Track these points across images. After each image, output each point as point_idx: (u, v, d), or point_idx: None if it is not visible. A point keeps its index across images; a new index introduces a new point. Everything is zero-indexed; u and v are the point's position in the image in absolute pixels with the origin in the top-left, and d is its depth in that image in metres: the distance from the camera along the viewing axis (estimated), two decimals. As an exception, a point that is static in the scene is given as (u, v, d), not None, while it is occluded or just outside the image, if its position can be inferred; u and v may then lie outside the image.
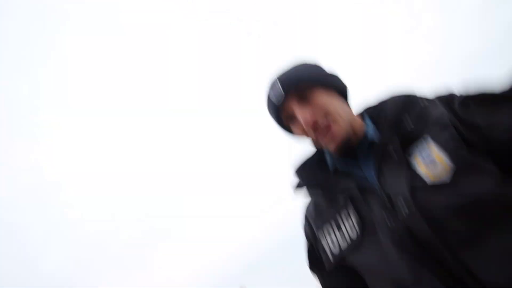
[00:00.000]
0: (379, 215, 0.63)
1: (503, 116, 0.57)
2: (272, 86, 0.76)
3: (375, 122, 0.77)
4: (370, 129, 0.76)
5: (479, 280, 0.52)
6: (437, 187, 0.58)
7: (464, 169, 0.57)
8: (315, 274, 0.83)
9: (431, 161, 0.60)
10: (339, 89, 0.78)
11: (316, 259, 0.80)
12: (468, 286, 0.53)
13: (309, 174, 0.81)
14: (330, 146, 0.73)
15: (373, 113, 0.79)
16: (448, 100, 0.66)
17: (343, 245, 0.70)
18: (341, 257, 0.70)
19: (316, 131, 0.72)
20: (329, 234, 0.73)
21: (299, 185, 0.81)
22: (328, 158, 0.81)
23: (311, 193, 0.81)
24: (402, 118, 0.69)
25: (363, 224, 0.66)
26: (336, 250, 0.71)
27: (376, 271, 0.65)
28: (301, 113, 0.72)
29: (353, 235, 0.67)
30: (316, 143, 0.77)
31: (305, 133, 0.75)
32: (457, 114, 0.62)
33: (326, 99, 0.74)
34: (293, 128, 0.78)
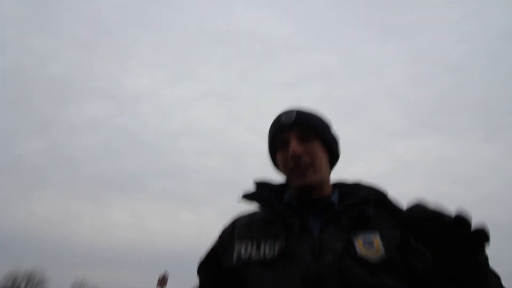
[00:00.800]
0: (305, 252, 0.68)
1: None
2: (288, 113, 0.87)
3: (341, 197, 0.85)
4: (335, 197, 0.85)
5: None
6: (364, 261, 0.66)
7: (390, 262, 0.66)
8: (199, 275, 0.88)
9: (370, 244, 0.69)
10: (332, 153, 0.89)
11: (211, 260, 0.85)
12: None
13: (266, 192, 0.87)
14: (298, 182, 0.81)
15: (343, 189, 0.88)
16: (406, 216, 0.74)
17: (254, 257, 0.73)
18: (245, 264, 0.73)
19: (295, 163, 0.81)
20: (246, 246, 0.76)
21: (251, 195, 0.86)
22: (287, 194, 0.89)
23: (259, 206, 0.85)
24: (366, 206, 0.76)
25: (284, 252, 0.70)
26: (244, 257, 0.75)
27: (273, 283, 0.67)
28: (294, 144, 0.81)
29: (269, 255, 0.72)
30: (288, 174, 0.84)
31: (285, 161, 0.84)
32: (408, 231, 0.71)
33: (318, 152, 0.84)
34: (279, 153, 0.87)
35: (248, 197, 0.86)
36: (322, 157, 0.84)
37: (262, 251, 0.73)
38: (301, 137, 0.83)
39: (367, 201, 0.77)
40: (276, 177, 0.95)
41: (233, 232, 0.84)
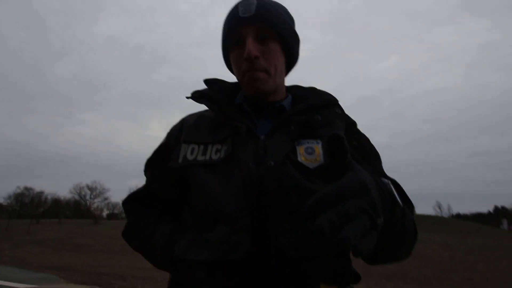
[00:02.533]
0: (248, 156, 0.68)
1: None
2: (246, 3, 0.74)
3: (294, 100, 0.83)
4: (287, 102, 0.81)
5: (277, 246, 0.60)
6: (303, 166, 0.67)
7: (326, 169, 0.67)
8: (146, 174, 0.85)
9: (311, 151, 0.70)
10: (291, 54, 0.81)
11: (158, 160, 0.81)
12: (267, 246, 0.60)
13: (217, 92, 0.80)
14: (251, 86, 0.75)
15: (297, 92, 0.85)
16: (351, 123, 0.80)
17: (200, 158, 0.72)
18: (190, 164, 0.72)
19: (250, 66, 0.73)
20: (193, 149, 0.74)
21: (200, 94, 0.79)
22: (239, 94, 0.83)
23: (208, 106, 0.78)
24: (316, 113, 0.75)
25: (229, 156, 0.69)
26: (190, 157, 0.73)
27: (210, 192, 0.67)
28: (251, 45, 0.72)
29: (215, 157, 0.70)
30: (240, 77, 0.77)
31: (238, 62, 0.76)
32: (350, 138, 0.76)
33: (276, 54, 0.76)
34: (232, 51, 0.77)
35: (197, 95, 0.79)
36: (279, 60, 0.77)
37: (208, 154, 0.71)
38: (259, 35, 0.74)
39: (316, 108, 0.76)
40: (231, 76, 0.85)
41: (181, 133, 0.80)
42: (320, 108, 0.76)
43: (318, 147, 0.71)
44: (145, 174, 0.86)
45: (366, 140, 0.81)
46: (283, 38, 0.77)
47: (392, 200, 0.54)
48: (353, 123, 0.82)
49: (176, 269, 0.69)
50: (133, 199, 0.86)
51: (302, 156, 0.69)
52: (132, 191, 0.88)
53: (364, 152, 0.77)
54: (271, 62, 0.75)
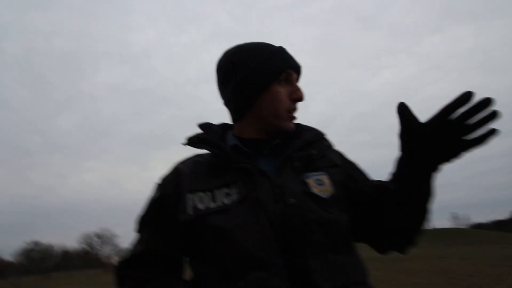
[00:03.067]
0: (267, 195, 0.68)
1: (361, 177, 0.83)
2: (289, 53, 0.82)
3: (282, 138, 0.83)
4: (279, 139, 0.81)
5: (314, 282, 0.62)
6: (319, 198, 0.70)
7: (339, 198, 0.74)
8: (143, 230, 0.78)
9: (321, 183, 0.74)
10: None
11: (158, 214, 0.76)
12: (305, 283, 0.62)
13: (212, 135, 0.80)
14: (288, 125, 0.79)
15: None
16: (340, 153, 0.87)
17: (212, 205, 0.69)
18: (204, 214, 0.69)
19: (295, 106, 0.80)
20: (201, 198, 0.71)
21: (198, 139, 0.79)
22: (229, 136, 0.83)
23: (209, 150, 0.77)
24: (311, 148, 0.79)
25: (246, 198, 0.68)
26: (201, 206, 0.70)
27: (235, 238, 0.65)
28: (301, 89, 0.80)
29: (227, 202, 0.69)
30: (282, 112, 0.78)
31: (283, 98, 0.77)
32: (345, 166, 0.82)
33: None
34: (278, 87, 0.77)
35: (195, 141, 0.79)
36: None
37: (219, 200, 0.70)
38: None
39: (311, 143, 0.80)
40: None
41: (179, 183, 0.76)
42: (313, 142, 0.81)
43: (325, 178, 0.75)
44: (140, 232, 0.78)
45: (357, 165, 0.88)
46: None
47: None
48: (342, 154, 0.88)
49: None
50: (131, 263, 0.75)
51: (315, 188, 0.72)
52: (126, 254, 0.77)
53: (359, 172, 0.86)
54: None
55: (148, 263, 0.74)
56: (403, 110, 0.64)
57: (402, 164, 0.72)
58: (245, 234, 0.65)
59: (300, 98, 0.79)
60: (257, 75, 0.77)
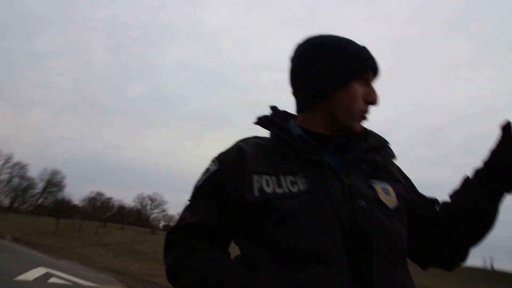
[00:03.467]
0: (338, 193, 0.66)
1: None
2: (372, 55, 0.79)
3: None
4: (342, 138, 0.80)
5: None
6: (385, 206, 0.69)
7: (402, 212, 0.73)
8: (199, 201, 0.74)
9: (386, 192, 0.72)
10: None
11: (214, 187, 0.73)
12: (365, 286, 0.60)
13: (284, 120, 0.80)
14: (358, 127, 0.77)
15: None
16: (399, 168, 0.84)
17: (279, 191, 0.67)
18: (270, 198, 0.66)
19: (368, 109, 0.78)
20: (267, 181, 0.69)
21: (271, 121, 0.77)
22: (291, 124, 0.81)
23: (279, 134, 0.74)
24: (376, 153, 0.77)
25: (314, 190, 0.66)
26: (268, 190, 0.67)
27: (300, 227, 0.63)
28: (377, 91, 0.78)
29: (294, 190, 0.67)
30: (355, 111, 0.76)
31: (359, 99, 0.75)
32: (404, 182, 0.81)
33: None
34: (357, 85, 0.75)
35: (266, 122, 0.77)
36: None
37: (285, 187, 0.67)
38: None
39: (377, 150, 0.78)
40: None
41: (242, 161, 0.72)
42: (378, 149, 0.78)
43: (391, 189, 0.73)
44: (194, 202, 0.75)
45: (410, 180, 0.86)
46: None
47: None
48: (399, 169, 0.85)
49: None
50: (183, 230, 0.73)
51: (382, 195, 0.70)
52: (180, 221, 0.75)
53: (416, 189, 0.84)
54: None
55: (199, 234, 0.72)
56: (507, 129, 0.67)
57: (481, 180, 0.72)
58: (313, 224, 0.63)
59: (375, 101, 0.77)
60: (339, 69, 0.75)
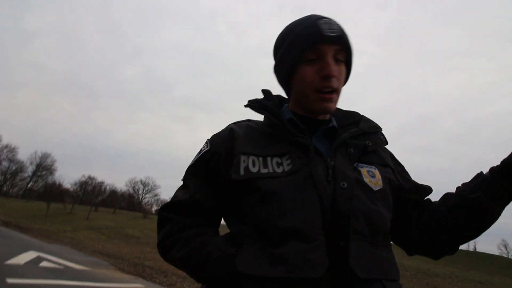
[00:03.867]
0: (321, 174, 0.68)
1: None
2: (329, 23, 0.74)
3: (337, 121, 0.83)
4: (334, 122, 0.82)
5: (349, 267, 0.61)
6: (368, 188, 0.70)
7: (386, 194, 0.74)
8: (190, 179, 0.79)
9: (372, 175, 0.74)
10: (346, 80, 0.82)
11: (205, 167, 0.77)
12: (340, 265, 0.61)
13: (274, 104, 0.82)
14: (320, 106, 0.75)
15: (339, 114, 0.87)
16: (392, 156, 0.87)
17: (263, 171, 0.69)
18: (254, 177, 0.69)
19: (327, 83, 0.73)
20: (253, 161, 0.72)
21: (261, 104, 0.80)
22: (285, 108, 0.84)
23: (269, 118, 0.77)
24: (366, 138, 0.78)
25: (298, 170, 0.68)
26: (253, 169, 0.70)
27: (282, 205, 0.65)
28: (332, 63, 0.73)
29: (278, 170, 0.69)
30: (308, 93, 0.76)
31: (311, 77, 0.74)
32: (395, 167, 0.83)
33: (343, 78, 0.78)
34: (305, 66, 0.75)
35: (257, 105, 0.80)
36: (342, 83, 0.79)
37: (270, 167, 0.70)
38: (335, 56, 0.74)
39: (366, 134, 0.79)
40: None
41: (232, 143, 0.76)
42: (369, 134, 0.80)
43: (377, 172, 0.75)
44: (187, 182, 0.80)
45: (403, 166, 0.88)
46: (350, 64, 0.79)
47: None
48: (393, 155, 0.87)
49: (237, 285, 0.63)
50: (174, 208, 0.77)
51: (367, 178, 0.72)
52: (172, 198, 0.79)
53: (407, 175, 0.86)
54: (340, 84, 0.77)
55: (189, 211, 0.76)
56: None
57: (494, 177, 0.72)
58: (294, 203, 0.65)
59: (328, 74, 0.72)
60: (285, 58, 0.78)
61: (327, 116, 0.83)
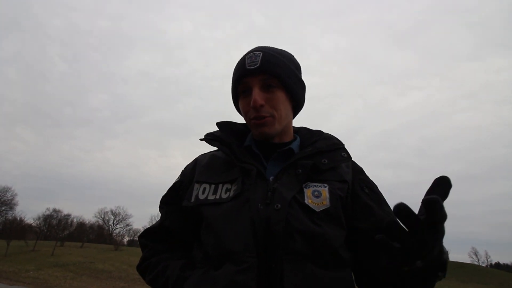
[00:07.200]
0: (258, 197, 0.71)
1: (377, 215, 0.75)
2: (252, 56, 0.80)
3: (301, 142, 0.88)
4: (295, 145, 0.86)
5: (284, 287, 0.61)
6: (308, 209, 0.70)
7: (333, 213, 0.71)
8: (162, 209, 0.90)
9: (317, 195, 0.73)
10: (296, 99, 0.85)
11: (173, 197, 0.87)
12: (273, 285, 0.62)
13: (227, 134, 0.87)
14: (258, 131, 0.81)
15: (305, 135, 0.91)
16: (359, 171, 0.84)
17: (211, 197, 0.76)
18: (201, 203, 0.76)
19: (256, 114, 0.78)
20: (204, 188, 0.79)
21: (212, 136, 0.85)
22: (249, 136, 0.90)
23: (220, 148, 0.82)
24: (322, 157, 0.80)
25: (238, 196, 0.73)
26: (202, 196, 0.77)
27: (218, 230, 0.70)
28: (257, 94, 0.77)
29: (224, 196, 0.75)
30: (248, 122, 0.84)
31: (246, 109, 0.81)
32: (356, 185, 0.79)
33: (280, 102, 0.80)
34: (241, 99, 0.83)
35: (210, 138, 0.85)
36: (284, 106, 0.81)
37: (218, 193, 0.76)
38: (264, 84, 0.79)
39: (323, 152, 0.81)
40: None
41: (194, 172, 0.85)
42: (326, 152, 0.81)
43: (325, 191, 0.74)
44: (160, 211, 0.91)
45: (375, 186, 0.84)
46: (287, 87, 0.81)
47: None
48: (361, 171, 0.86)
49: None
50: (148, 234, 0.90)
51: (309, 198, 0.72)
52: (148, 226, 0.92)
53: (377, 198, 0.80)
54: (277, 108, 0.80)
55: (160, 237, 0.88)
56: (400, 212, 0.49)
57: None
58: (227, 228, 0.70)
59: (253, 105, 0.77)
60: (232, 92, 0.87)
61: (287, 138, 0.87)
